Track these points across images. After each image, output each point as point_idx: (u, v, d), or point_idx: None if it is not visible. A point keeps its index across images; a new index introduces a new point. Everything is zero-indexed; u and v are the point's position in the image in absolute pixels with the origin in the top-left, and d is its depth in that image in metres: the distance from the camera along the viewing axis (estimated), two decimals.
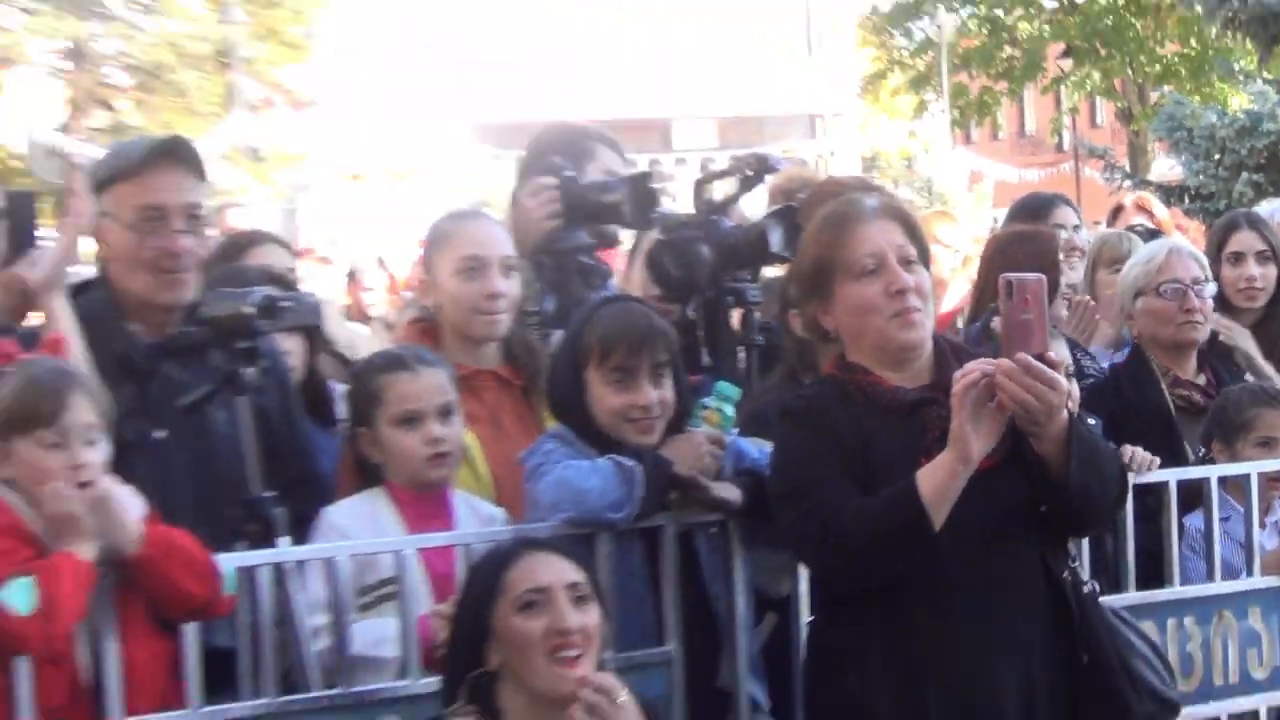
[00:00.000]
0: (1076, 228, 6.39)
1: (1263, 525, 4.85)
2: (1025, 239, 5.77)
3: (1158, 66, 33.24)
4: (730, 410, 4.41)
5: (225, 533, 4.04)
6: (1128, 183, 19.17)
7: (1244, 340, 5.53)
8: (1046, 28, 32.75)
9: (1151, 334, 5.28)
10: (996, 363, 3.59)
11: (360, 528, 4.20)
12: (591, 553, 4.02)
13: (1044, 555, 3.82)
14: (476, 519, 4.30)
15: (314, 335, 5.04)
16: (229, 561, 3.84)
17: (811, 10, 35.63)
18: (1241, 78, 25.06)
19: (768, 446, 4.16)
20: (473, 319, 4.74)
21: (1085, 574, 4.14)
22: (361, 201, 22.52)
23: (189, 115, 24.46)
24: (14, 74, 24.42)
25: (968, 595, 3.69)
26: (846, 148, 27.72)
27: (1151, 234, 6.62)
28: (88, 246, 4.59)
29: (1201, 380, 5.28)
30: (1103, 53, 31.73)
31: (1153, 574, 4.77)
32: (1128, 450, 4.78)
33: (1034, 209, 6.42)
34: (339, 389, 4.85)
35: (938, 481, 3.57)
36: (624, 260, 5.81)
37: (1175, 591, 4.75)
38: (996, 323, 3.86)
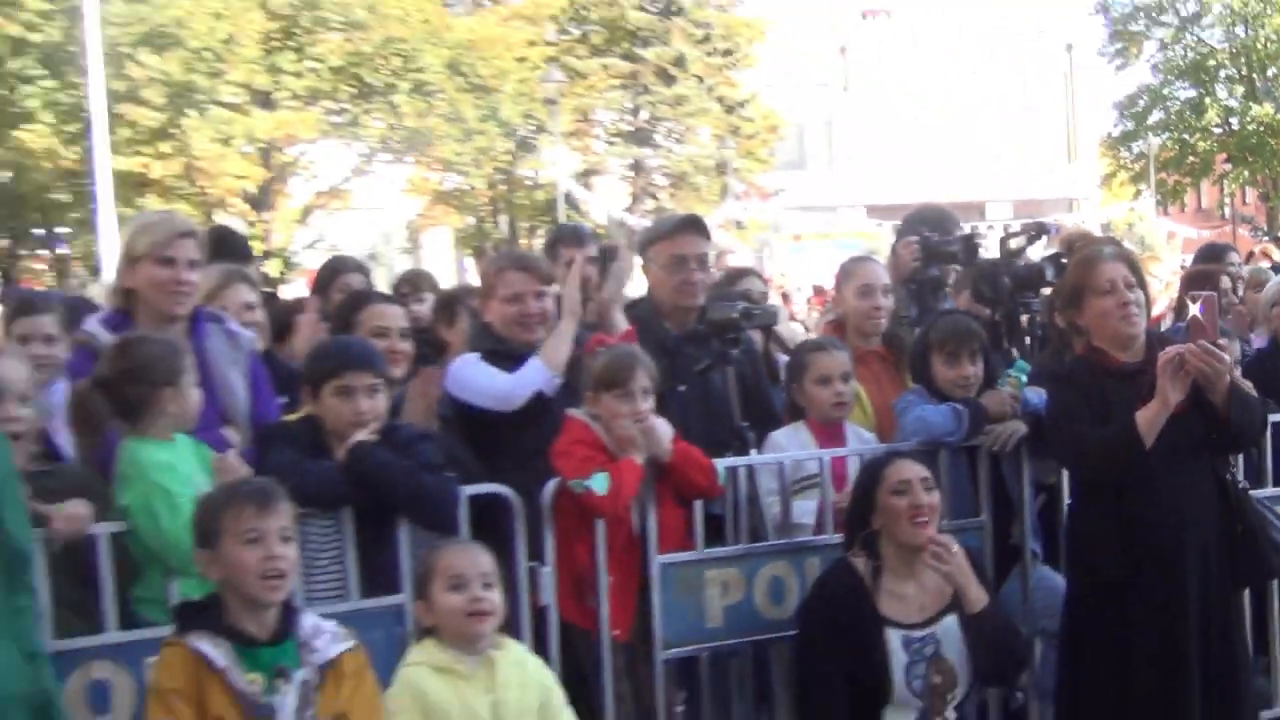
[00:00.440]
0: (1240, 265, 6.99)
1: None
2: (1205, 274, 6.47)
3: None
4: (1024, 377, 4.96)
5: (719, 446, 4.73)
6: (1265, 238, 23.84)
7: None
8: (1215, 145, 44.78)
9: None
10: (1186, 347, 4.19)
11: (793, 445, 4.91)
12: (935, 461, 4.71)
13: (1214, 465, 4.42)
14: (860, 441, 4.99)
15: (770, 330, 5.72)
16: (720, 464, 4.51)
17: (1071, 132, 48.95)
18: None
19: (1044, 395, 4.77)
20: (864, 322, 5.51)
21: (1240, 475, 4.66)
22: (786, 252, 32.42)
23: (700, 202, 32.78)
24: (600, 179, 34.33)
25: (1166, 489, 4.24)
26: (1092, 218, 34.03)
27: (1275, 269, 7.62)
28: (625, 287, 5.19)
29: None
30: (1251, 159, 43.45)
31: None
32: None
33: (1213, 254, 7.19)
34: (783, 360, 5.43)
35: (1148, 419, 4.18)
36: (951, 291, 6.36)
37: None
38: (1192, 316, 4.29)
